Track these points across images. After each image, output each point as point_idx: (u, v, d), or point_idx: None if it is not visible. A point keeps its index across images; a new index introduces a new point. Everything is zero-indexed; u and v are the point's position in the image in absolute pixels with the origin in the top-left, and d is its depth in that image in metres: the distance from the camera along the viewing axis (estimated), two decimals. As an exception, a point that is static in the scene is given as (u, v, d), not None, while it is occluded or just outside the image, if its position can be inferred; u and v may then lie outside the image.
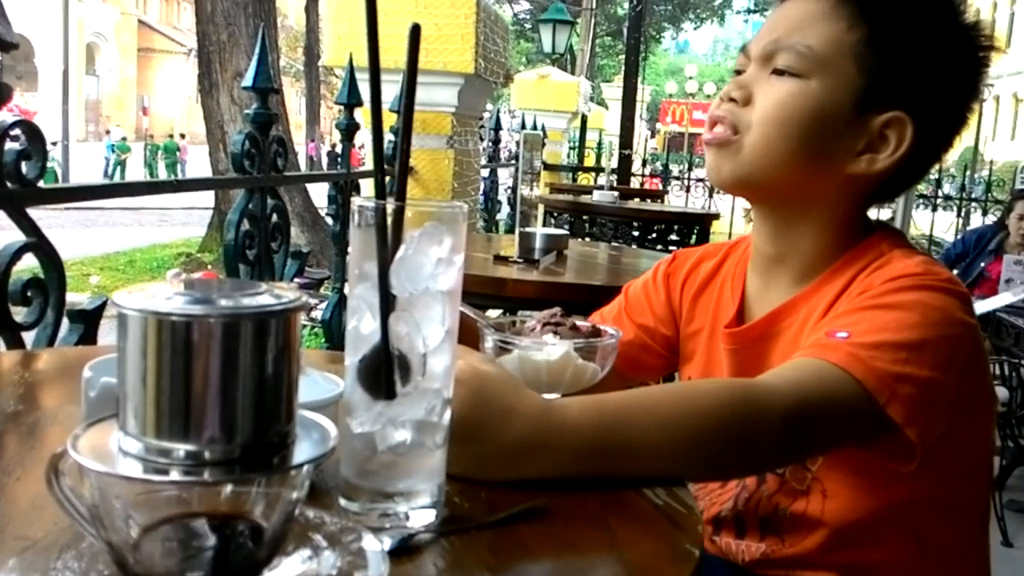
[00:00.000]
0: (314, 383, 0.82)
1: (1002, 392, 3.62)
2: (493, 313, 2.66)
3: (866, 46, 1.06)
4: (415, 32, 0.68)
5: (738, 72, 1.15)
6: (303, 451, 0.56)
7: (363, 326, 0.71)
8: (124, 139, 30.77)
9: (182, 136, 33.98)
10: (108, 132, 32.39)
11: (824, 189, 1.12)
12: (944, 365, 0.98)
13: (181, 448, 0.52)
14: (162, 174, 27.32)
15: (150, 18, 53.27)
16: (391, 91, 3.25)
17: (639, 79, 9.76)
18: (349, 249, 0.72)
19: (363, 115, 3.27)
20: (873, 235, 1.14)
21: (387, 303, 0.70)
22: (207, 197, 13.78)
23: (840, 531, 1.07)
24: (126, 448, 0.53)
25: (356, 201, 0.71)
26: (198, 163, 28.06)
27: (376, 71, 0.69)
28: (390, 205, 0.70)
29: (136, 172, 28.17)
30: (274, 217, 2.24)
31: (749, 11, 37.99)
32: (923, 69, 1.08)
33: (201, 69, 10.92)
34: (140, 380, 0.52)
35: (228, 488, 0.55)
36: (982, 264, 5.07)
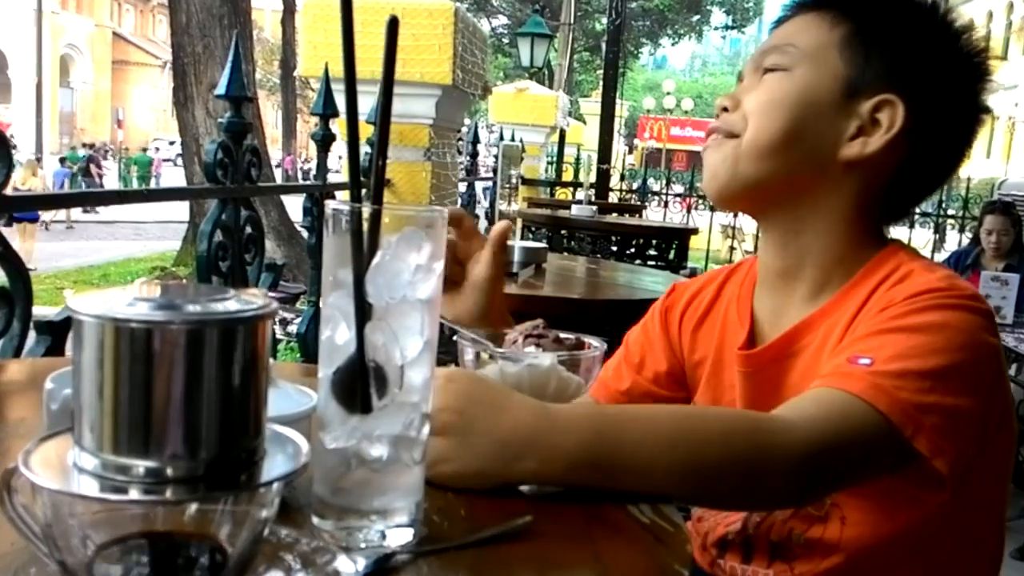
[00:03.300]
0: (286, 396, 0.79)
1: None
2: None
3: (850, 39, 1.08)
4: (392, 26, 0.66)
5: None
6: (273, 468, 0.53)
7: (337, 336, 0.68)
8: (73, 148, 29.34)
9: (156, 149, 33.71)
10: (84, 145, 31.97)
11: (823, 184, 1.09)
12: (971, 391, 0.94)
13: (141, 465, 0.49)
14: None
15: (125, 30, 53.05)
16: (369, 102, 3.23)
17: (617, 94, 9.77)
18: (323, 256, 0.69)
19: (339, 126, 3.24)
20: (888, 247, 1.11)
21: (363, 312, 0.66)
22: (182, 210, 13.69)
23: (855, 558, 1.03)
24: (82, 464, 0.49)
25: (330, 204, 0.68)
26: (172, 175, 27.91)
27: (352, 76, 0.66)
28: (366, 209, 0.67)
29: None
30: (248, 229, 2.20)
31: (727, 27, 38.27)
32: (912, 56, 1.08)
33: (176, 81, 10.86)
34: (97, 392, 0.49)
35: (192, 507, 0.52)
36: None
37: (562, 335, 0.99)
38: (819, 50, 1.09)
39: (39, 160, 17.56)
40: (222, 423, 0.50)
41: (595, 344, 0.99)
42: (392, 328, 0.67)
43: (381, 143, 0.68)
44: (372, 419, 0.68)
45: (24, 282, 1.52)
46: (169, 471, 0.49)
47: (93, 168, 24.43)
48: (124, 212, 20.12)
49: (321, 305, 0.70)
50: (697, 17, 34.74)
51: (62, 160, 22.24)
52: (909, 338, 0.95)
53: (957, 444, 0.92)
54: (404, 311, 0.68)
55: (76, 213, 18.96)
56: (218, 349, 0.49)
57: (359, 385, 0.67)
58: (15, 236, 14.16)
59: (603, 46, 10.73)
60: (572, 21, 21.34)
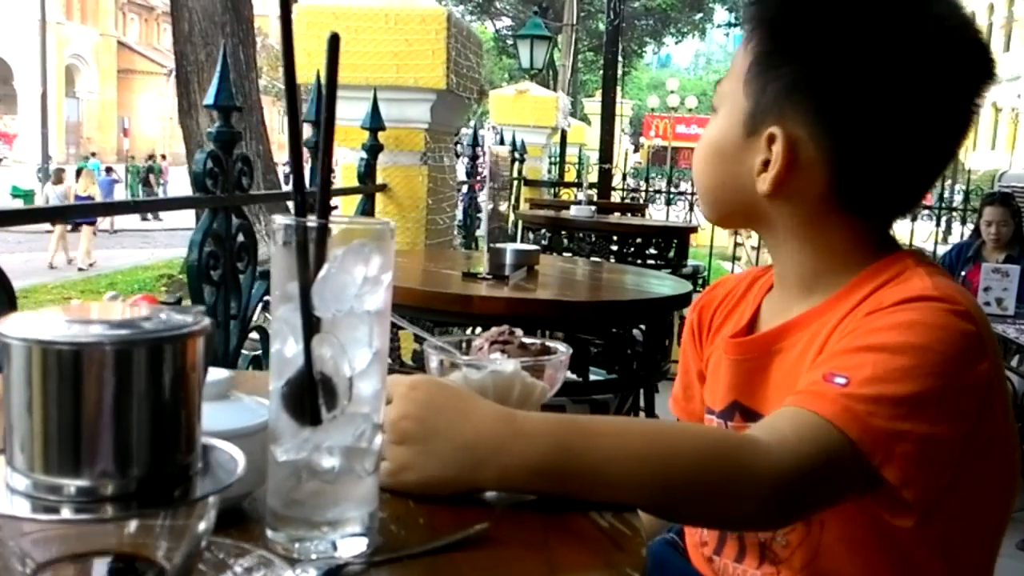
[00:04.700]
0: (245, 409, 0.79)
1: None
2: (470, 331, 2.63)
3: (755, 66, 1.05)
4: (333, 41, 0.66)
5: None
6: (208, 482, 0.54)
7: (287, 349, 0.68)
8: (86, 158, 28.99)
9: (163, 157, 33.74)
10: (93, 154, 32.00)
11: (761, 215, 1.09)
12: (949, 417, 0.91)
13: (72, 484, 0.49)
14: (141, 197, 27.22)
15: (130, 39, 53.16)
16: (363, 108, 3.24)
17: (618, 93, 9.75)
18: (271, 270, 0.69)
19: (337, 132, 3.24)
20: (894, 253, 1.07)
21: (310, 325, 0.67)
22: (189, 217, 13.72)
23: (834, 567, 1.03)
24: (14, 485, 0.50)
25: (276, 219, 0.68)
26: (179, 183, 27.96)
27: (292, 81, 0.67)
28: (311, 222, 0.67)
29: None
30: (240, 237, 2.21)
31: (730, 25, 38.13)
32: (822, 67, 1.01)
33: (180, 90, 10.84)
34: (26, 412, 0.49)
35: (130, 524, 0.53)
36: (963, 273, 5.08)
37: (527, 341, 1.00)
38: (733, 85, 1.08)
39: (45, 170, 17.98)
40: (153, 440, 0.51)
41: (560, 349, 0.99)
42: (340, 340, 0.68)
43: (325, 154, 0.69)
44: (322, 431, 0.68)
45: (8, 294, 1.53)
46: (101, 489, 0.50)
47: (151, 177, 26.53)
48: (131, 220, 20.23)
49: (271, 319, 0.70)
50: (700, 15, 34.61)
51: (108, 169, 23.78)
52: (889, 360, 0.91)
53: (928, 472, 0.90)
54: (352, 323, 0.69)
55: (104, 222, 19.44)
56: (146, 368, 0.50)
57: (307, 398, 0.67)
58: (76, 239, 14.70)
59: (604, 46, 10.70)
60: (575, 22, 21.31)
